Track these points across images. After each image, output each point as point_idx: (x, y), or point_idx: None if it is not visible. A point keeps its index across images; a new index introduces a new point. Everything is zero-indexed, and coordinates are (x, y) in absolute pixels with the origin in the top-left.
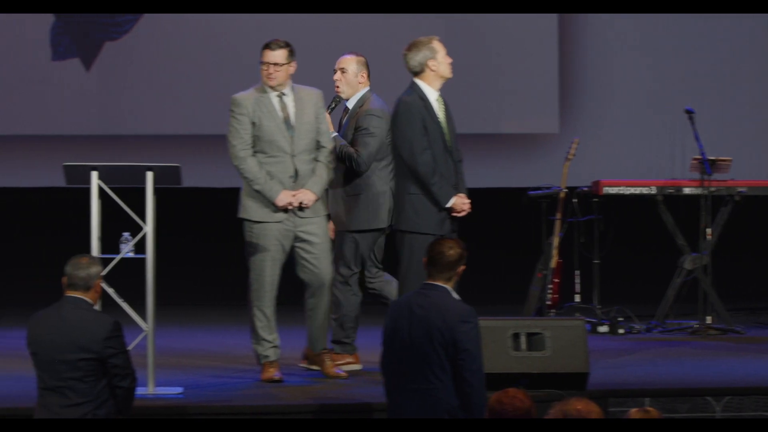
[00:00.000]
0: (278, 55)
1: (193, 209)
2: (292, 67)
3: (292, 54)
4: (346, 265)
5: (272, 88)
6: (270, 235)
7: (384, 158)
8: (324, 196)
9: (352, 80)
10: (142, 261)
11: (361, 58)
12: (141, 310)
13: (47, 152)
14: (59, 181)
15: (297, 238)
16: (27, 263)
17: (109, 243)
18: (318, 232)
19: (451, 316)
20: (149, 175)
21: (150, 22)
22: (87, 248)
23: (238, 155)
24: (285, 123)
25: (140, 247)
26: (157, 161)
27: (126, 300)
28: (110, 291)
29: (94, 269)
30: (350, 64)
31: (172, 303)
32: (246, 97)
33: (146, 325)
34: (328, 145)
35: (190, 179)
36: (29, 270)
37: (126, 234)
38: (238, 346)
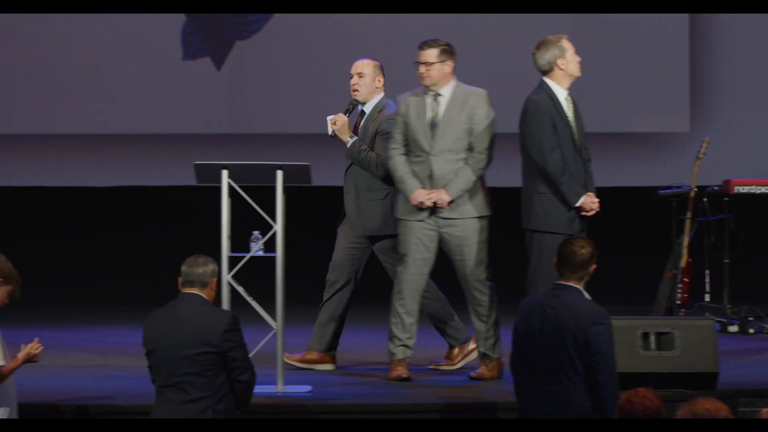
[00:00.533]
0: (429, 54)
1: (322, 207)
2: (447, 66)
3: (445, 53)
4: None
5: (428, 87)
6: (412, 234)
7: None
8: (478, 197)
9: (370, 85)
10: (272, 259)
11: (378, 63)
12: (270, 309)
13: (178, 151)
14: (190, 179)
15: (442, 239)
16: (156, 260)
17: (239, 241)
18: (462, 233)
19: (583, 318)
20: (279, 174)
21: (280, 22)
22: (217, 246)
23: (390, 153)
24: (430, 123)
25: (270, 245)
26: (286, 160)
27: (255, 298)
28: (240, 289)
29: (210, 267)
30: (368, 68)
31: (302, 301)
32: (404, 98)
33: (275, 324)
34: (480, 146)
35: (319, 178)
36: (160, 266)
37: (256, 232)
38: (366, 344)
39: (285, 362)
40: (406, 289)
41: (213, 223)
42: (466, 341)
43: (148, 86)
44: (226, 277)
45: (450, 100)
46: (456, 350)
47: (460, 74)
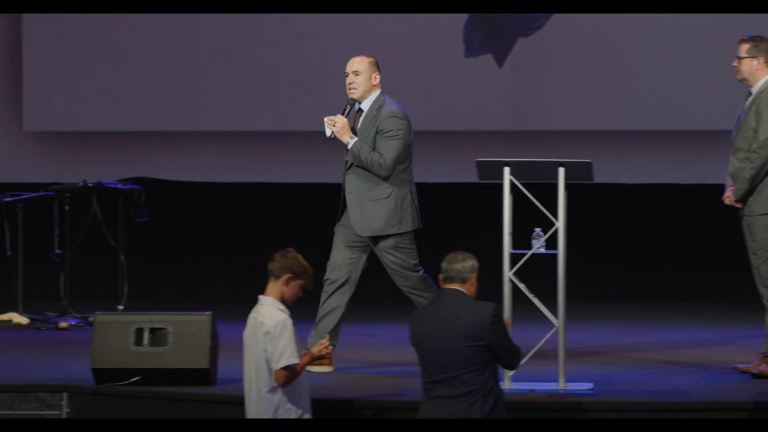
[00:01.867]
0: (740, 49)
1: (604, 204)
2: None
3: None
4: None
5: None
6: None
7: (404, 161)
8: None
9: (366, 82)
10: (554, 256)
11: (373, 59)
12: (551, 306)
13: (458, 148)
14: (470, 176)
15: None
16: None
17: (521, 238)
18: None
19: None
20: (561, 171)
21: (562, 19)
22: (494, 243)
23: None
24: None
25: (551, 242)
26: (567, 157)
27: (536, 295)
28: (521, 286)
29: (470, 263)
30: (363, 65)
31: (582, 298)
32: None
33: (557, 321)
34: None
35: (600, 175)
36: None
37: (538, 230)
38: (646, 342)
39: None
40: None
41: (490, 220)
42: None
43: (430, 83)
44: (508, 273)
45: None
46: None
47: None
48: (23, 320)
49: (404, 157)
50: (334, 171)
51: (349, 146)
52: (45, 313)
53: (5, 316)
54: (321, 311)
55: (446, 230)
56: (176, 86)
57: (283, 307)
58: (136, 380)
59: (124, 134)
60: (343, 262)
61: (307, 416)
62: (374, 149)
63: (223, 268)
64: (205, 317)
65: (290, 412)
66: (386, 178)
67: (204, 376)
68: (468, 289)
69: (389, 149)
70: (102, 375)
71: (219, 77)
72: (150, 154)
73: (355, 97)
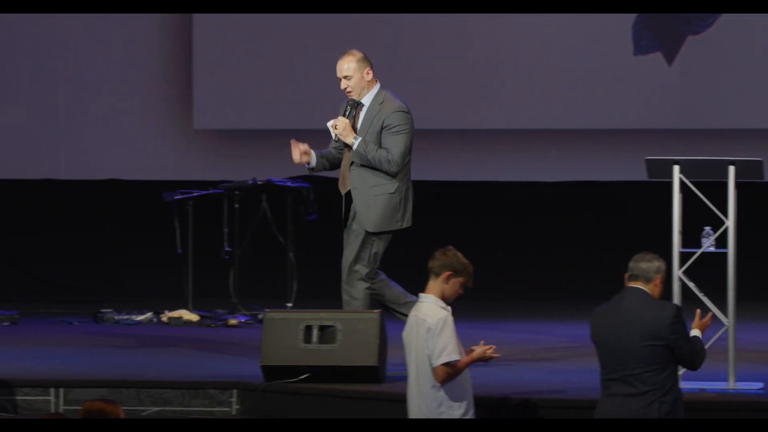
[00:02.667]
0: None
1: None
2: None
3: None
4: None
5: None
6: None
7: (408, 155)
8: None
9: (361, 81)
10: (723, 255)
11: (361, 55)
12: (721, 305)
13: (627, 146)
14: (638, 174)
15: None
16: (600, 254)
17: (690, 237)
18: None
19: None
20: (731, 170)
21: (732, 17)
22: (663, 241)
23: None
24: None
25: (721, 241)
26: (737, 155)
27: (706, 294)
28: (691, 285)
29: (656, 264)
30: (351, 67)
31: (752, 298)
32: None
33: (727, 320)
34: None
35: None
36: (603, 260)
37: (707, 228)
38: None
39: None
40: None
41: (659, 219)
42: None
43: (599, 82)
44: (677, 272)
45: None
46: None
47: None
48: (193, 317)
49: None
50: (490, 168)
51: (354, 147)
52: (215, 310)
53: (176, 314)
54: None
55: (618, 229)
56: None
57: (443, 304)
58: (305, 377)
59: (294, 132)
60: None
61: (470, 414)
62: (380, 146)
63: (390, 265)
64: (373, 315)
65: (452, 409)
66: (395, 174)
67: (372, 374)
68: (651, 289)
69: (397, 144)
70: (271, 372)
71: (387, 75)
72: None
73: (354, 98)
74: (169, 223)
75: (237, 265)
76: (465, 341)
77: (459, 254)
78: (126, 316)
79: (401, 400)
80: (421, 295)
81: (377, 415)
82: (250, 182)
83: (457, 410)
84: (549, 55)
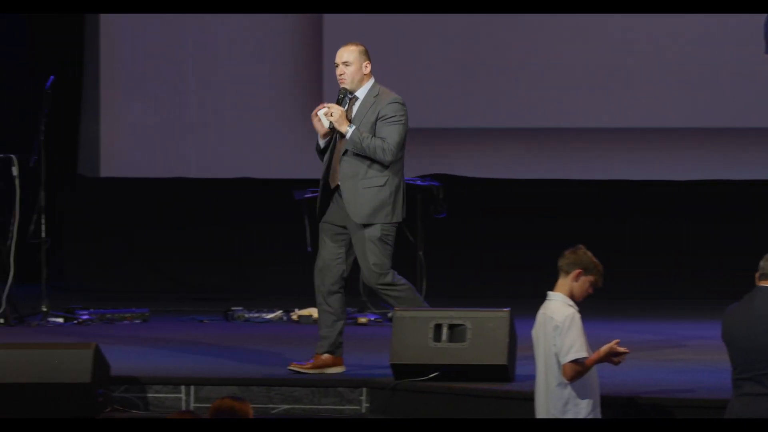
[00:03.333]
0: None
1: None
2: None
3: None
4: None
5: None
6: None
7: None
8: None
9: (358, 72)
10: None
11: (363, 48)
12: None
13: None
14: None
15: None
16: (733, 255)
17: None
18: None
19: None
20: None
21: None
22: None
23: None
24: None
25: None
26: None
27: None
28: None
29: None
30: (353, 55)
31: None
32: None
33: None
34: None
35: None
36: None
37: None
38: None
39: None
40: None
41: None
42: None
43: (730, 80)
44: None
45: None
46: None
47: None
48: None
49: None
50: (616, 167)
51: (348, 135)
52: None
53: (306, 312)
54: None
55: (746, 230)
56: (473, 83)
57: (572, 303)
58: (434, 376)
59: (423, 131)
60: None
61: (597, 414)
62: (374, 136)
63: (517, 263)
64: (503, 313)
65: (579, 407)
66: (389, 164)
67: (502, 373)
68: None
69: (392, 134)
70: (401, 370)
71: (514, 74)
72: (448, 150)
73: (347, 87)
74: (299, 222)
75: None
76: (589, 342)
77: (589, 253)
78: (256, 314)
79: (530, 398)
80: (550, 293)
81: (506, 415)
82: None
83: (583, 409)
84: (674, 56)
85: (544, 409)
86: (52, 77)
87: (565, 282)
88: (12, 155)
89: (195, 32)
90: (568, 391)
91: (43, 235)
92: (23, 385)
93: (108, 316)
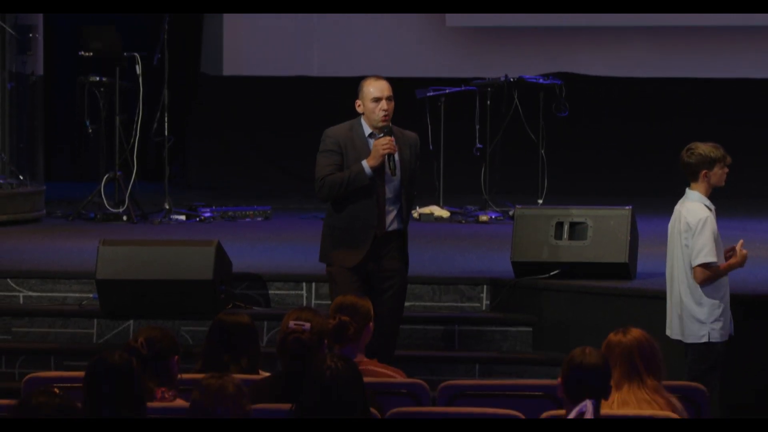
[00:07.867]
0: None
1: None
2: None
3: None
4: None
5: None
6: None
7: None
8: None
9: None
10: None
11: None
12: None
13: None
14: None
15: None
16: None
17: None
18: None
19: None
20: None
21: None
22: None
23: None
24: None
25: None
26: None
27: None
28: None
29: None
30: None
31: None
32: None
33: None
34: None
35: None
36: None
37: None
38: None
39: None
40: None
41: None
42: None
43: None
44: None
45: None
46: None
47: None
48: (444, 213)
49: None
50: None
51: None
52: (465, 206)
53: (427, 209)
54: None
55: None
56: None
57: (708, 202)
58: (555, 273)
59: (547, 29)
60: None
61: (728, 320)
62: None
63: (641, 162)
64: (624, 212)
65: (713, 308)
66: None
67: (623, 271)
68: None
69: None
70: (522, 268)
71: None
72: (572, 48)
73: (389, 125)
74: (421, 120)
75: (488, 161)
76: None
77: (700, 148)
78: None
79: (651, 296)
80: (688, 190)
81: (627, 313)
82: (502, 79)
83: (716, 310)
84: None
85: (671, 307)
86: None
87: (696, 183)
88: (135, 53)
89: None
90: (699, 292)
91: (166, 133)
92: (146, 282)
93: (230, 213)
